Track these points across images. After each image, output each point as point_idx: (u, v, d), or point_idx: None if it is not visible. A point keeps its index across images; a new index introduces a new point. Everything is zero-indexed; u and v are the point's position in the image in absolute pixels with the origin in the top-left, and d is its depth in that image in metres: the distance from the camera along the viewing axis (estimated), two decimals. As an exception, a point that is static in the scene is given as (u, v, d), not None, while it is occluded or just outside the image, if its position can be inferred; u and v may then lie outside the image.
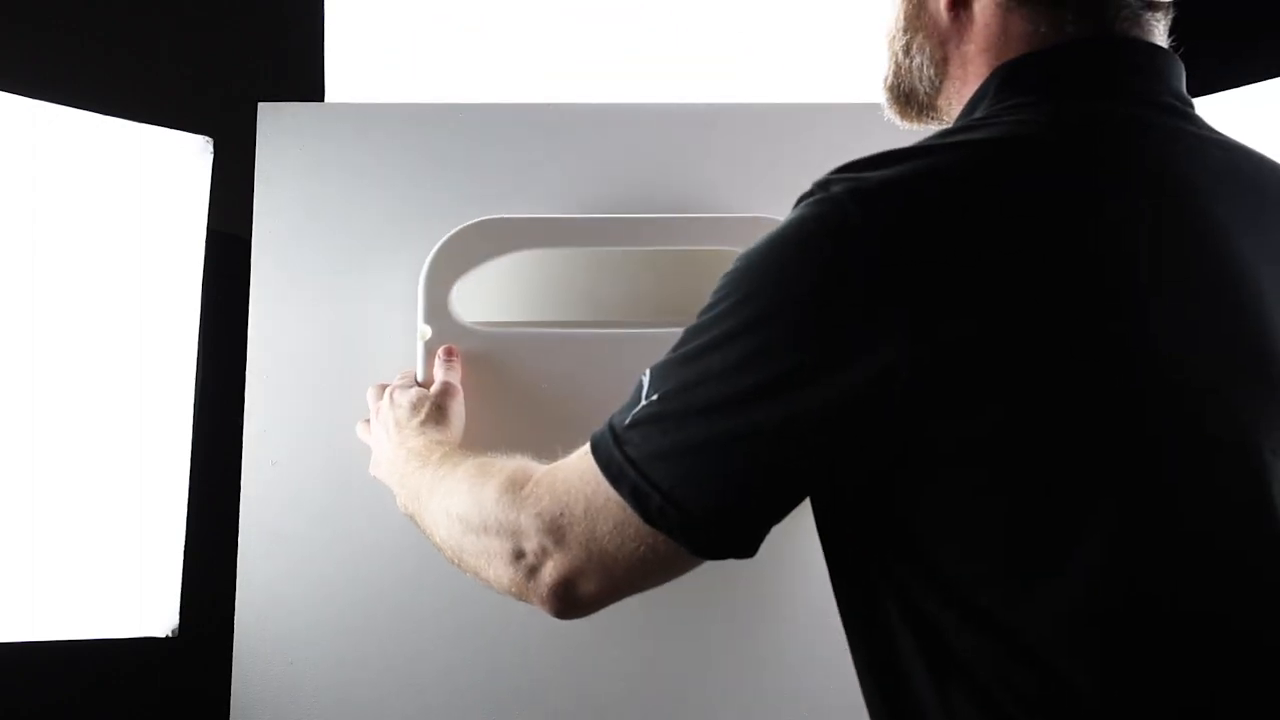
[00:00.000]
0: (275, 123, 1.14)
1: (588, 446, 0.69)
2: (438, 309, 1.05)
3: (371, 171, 1.14)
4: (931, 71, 0.76)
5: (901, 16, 0.77)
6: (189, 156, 1.17)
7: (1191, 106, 0.70)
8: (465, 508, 0.77)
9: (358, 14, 1.22)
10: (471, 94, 1.22)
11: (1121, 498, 0.59)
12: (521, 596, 0.73)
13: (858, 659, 0.69)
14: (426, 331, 1.04)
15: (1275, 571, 0.59)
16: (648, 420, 0.65)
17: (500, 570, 0.73)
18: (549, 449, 0.76)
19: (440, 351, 1.03)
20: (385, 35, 1.22)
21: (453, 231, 1.06)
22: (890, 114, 0.82)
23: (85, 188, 1.12)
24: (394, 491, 0.91)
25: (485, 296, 1.12)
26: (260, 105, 1.14)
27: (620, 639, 1.08)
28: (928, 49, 0.76)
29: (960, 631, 0.60)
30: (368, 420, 1.03)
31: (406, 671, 1.08)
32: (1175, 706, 0.58)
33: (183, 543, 1.14)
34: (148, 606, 1.12)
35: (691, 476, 0.63)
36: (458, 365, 1.03)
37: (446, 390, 1.00)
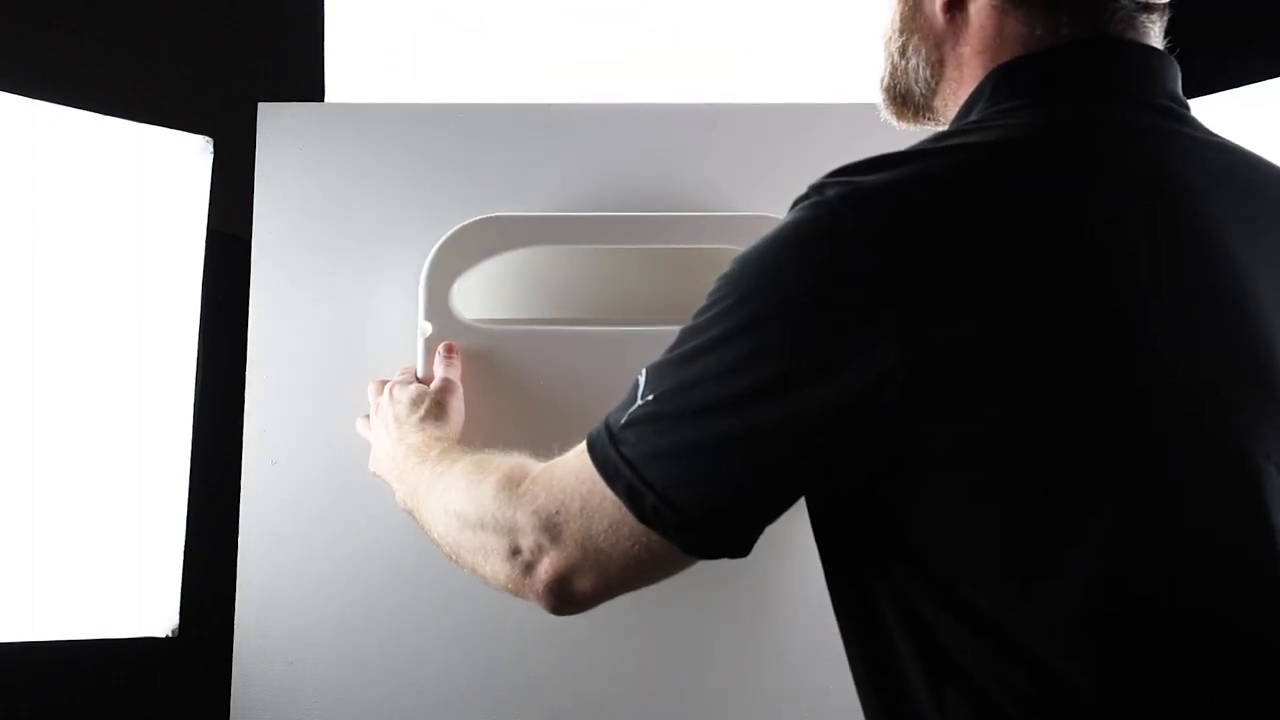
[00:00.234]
0: (275, 123, 1.14)
1: (584, 445, 0.69)
2: (438, 306, 1.05)
3: (371, 171, 1.14)
4: (927, 73, 0.76)
5: (897, 18, 0.77)
6: (189, 156, 1.17)
7: (1187, 108, 0.70)
8: (462, 504, 0.77)
9: (358, 14, 1.22)
10: (471, 94, 1.22)
11: (1121, 498, 0.59)
12: (517, 593, 0.73)
13: (854, 660, 0.69)
14: (427, 328, 1.05)
15: (1274, 572, 0.59)
16: (643, 420, 0.65)
17: (497, 566, 0.73)
18: (548, 446, 0.76)
19: (440, 348, 1.03)
20: (385, 35, 1.22)
21: (455, 228, 1.06)
22: (886, 115, 0.82)
23: (85, 188, 1.12)
24: (393, 487, 0.92)
25: (485, 294, 1.12)
26: (260, 105, 1.14)
27: (620, 639, 1.08)
28: (923, 50, 0.76)
29: (957, 633, 0.60)
30: (368, 416, 1.03)
31: (406, 671, 1.08)
32: (1175, 707, 0.58)
33: (183, 543, 1.14)
34: (148, 606, 1.12)
35: (686, 477, 0.63)
36: (458, 362, 1.03)
37: (446, 387, 1.00)
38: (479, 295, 1.11)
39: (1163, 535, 0.59)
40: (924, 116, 0.80)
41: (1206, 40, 0.98)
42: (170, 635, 1.13)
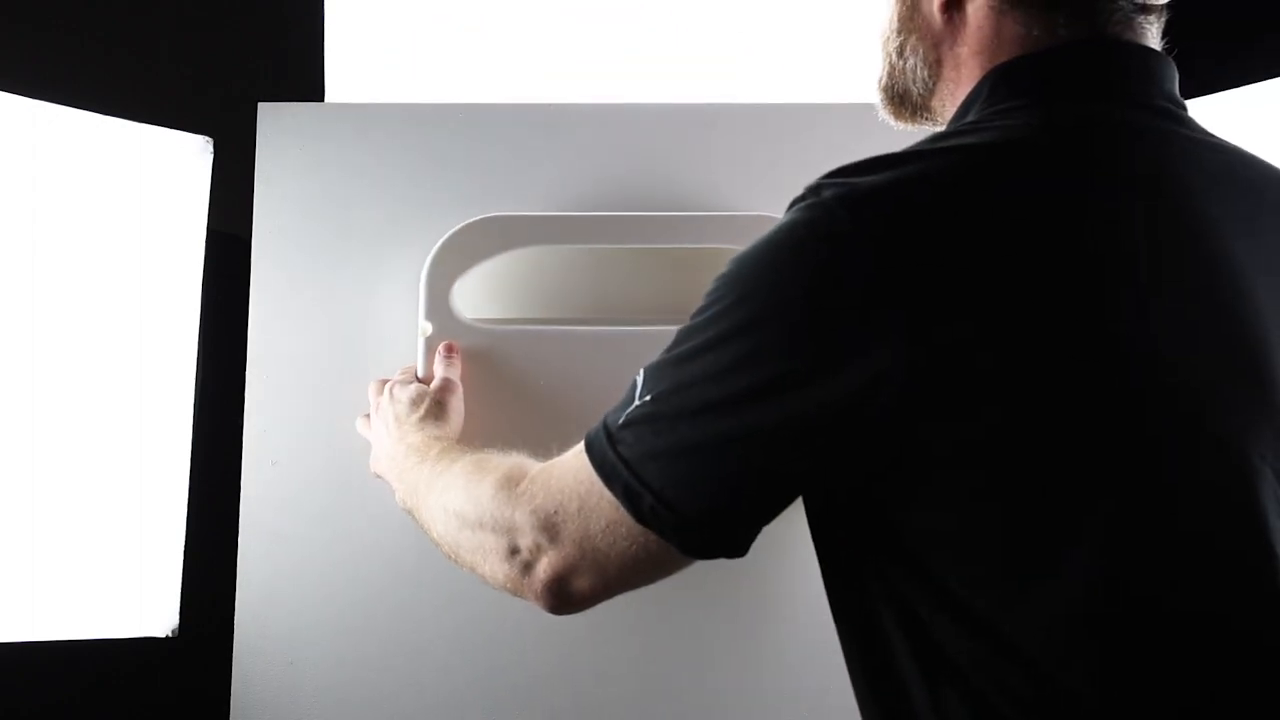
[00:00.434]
0: (275, 123, 1.14)
1: (582, 445, 0.69)
2: (439, 305, 1.05)
3: (371, 171, 1.14)
4: (925, 73, 0.76)
5: (895, 18, 0.77)
6: (189, 156, 1.17)
7: (1185, 109, 0.70)
8: (461, 504, 0.77)
9: (358, 14, 1.22)
10: (471, 94, 1.22)
11: (1121, 498, 0.59)
12: (516, 592, 0.73)
13: (851, 661, 0.69)
14: (427, 328, 1.05)
15: (1272, 572, 0.59)
16: (641, 420, 0.65)
17: (495, 566, 0.73)
18: (548, 445, 0.76)
19: (441, 348, 1.04)
20: (385, 35, 1.22)
21: (456, 228, 1.06)
22: (884, 114, 0.82)
23: (85, 188, 1.12)
24: (393, 487, 0.92)
25: (485, 293, 1.12)
26: (260, 105, 1.14)
27: (620, 639, 1.08)
28: (921, 51, 0.76)
29: (954, 634, 0.60)
30: (368, 415, 1.04)
31: (406, 671, 1.08)
32: (1174, 708, 0.58)
33: (183, 543, 1.14)
34: (148, 606, 1.12)
35: (684, 478, 0.63)
36: (458, 361, 1.03)
37: (446, 386, 1.00)
38: (479, 295, 1.11)
39: (1163, 535, 0.59)
40: (922, 116, 0.80)
41: (1206, 40, 0.98)
42: (170, 635, 1.13)
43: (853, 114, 1.04)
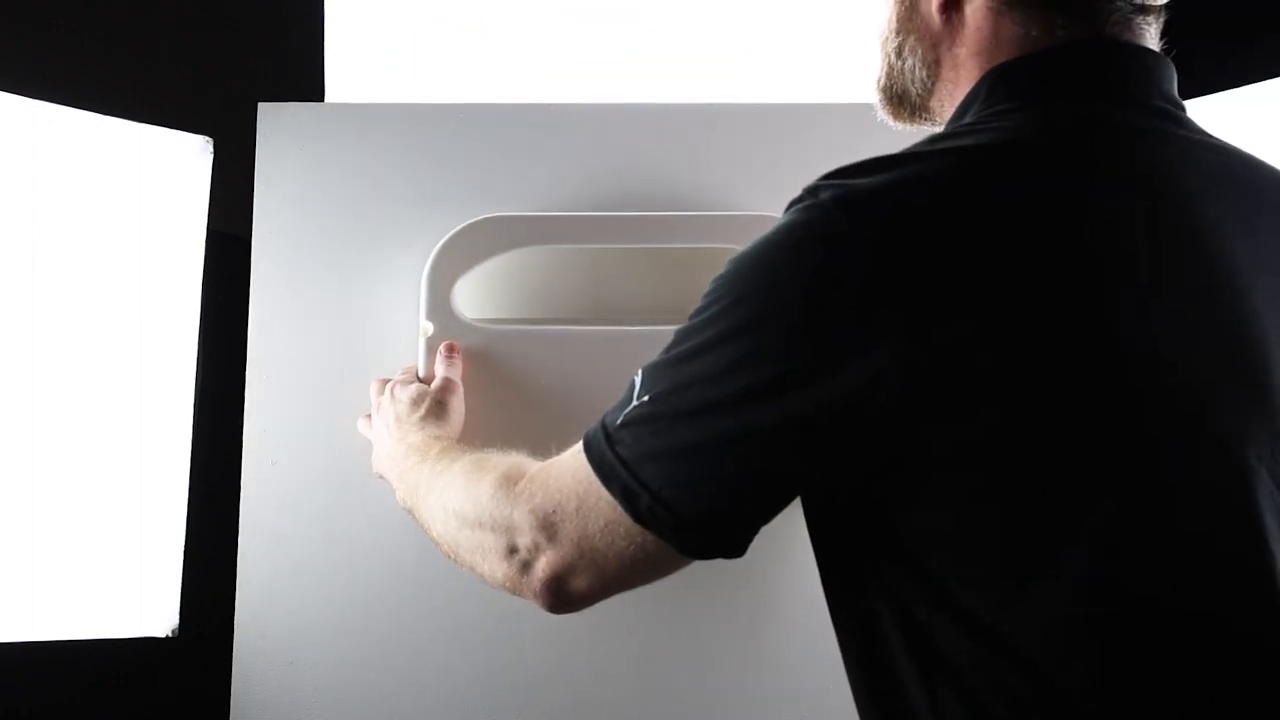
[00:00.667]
0: (275, 123, 1.14)
1: (581, 444, 0.69)
2: (440, 306, 1.05)
3: (371, 171, 1.14)
4: (923, 74, 0.76)
5: (894, 18, 0.77)
6: (189, 156, 1.17)
7: (1183, 110, 0.70)
8: (461, 503, 0.78)
9: (358, 14, 1.22)
10: (471, 94, 1.22)
11: (1121, 498, 0.59)
12: (515, 591, 0.73)
13: (849, 660, 0.69)
14: (429, 328, 1.05)
15: (1271, 573, 0.59)
16: (639, 421, 0.65)
17: (494, 565, 0.74)
18: (549, 445, 0.76)
19: (441, 348, 1.04)
20: (385, 35, 1.22)
21: (457, 228, 1.06)
22: (883, 115, 0.82)
23: (85, 188, 1.12)
24: (393, 486, 0.92)
25: (486, 294, 1.12)
26: (260, 105, 1.14)
27: (620, 639, 1.08)
28: (920, 51, 0.76)
29: (952, 633, 0.60)
30: (369, 415, 1.04)
31: (406, 671, 1.08)
32: (1174, 708, 0.58)
33: (183, 543, 1.14)
34: (148, 606, 1.12)
35: (682, 478, 0.63)
36: (459, 361, 1.03)
37: (447, 386, 1.00)
38: (480, 295, 1.11)
39: (1163, 535, 0.59)
40: (920, 117, 0.80)
41: (1206, 40, 0.98)
42: (170, 635, 1.13)
43: (853, 114, 1.04)
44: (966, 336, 0.59)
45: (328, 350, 1.11)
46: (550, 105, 1.16)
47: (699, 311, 0.65)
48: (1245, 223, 0.66)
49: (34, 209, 1.09)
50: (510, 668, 1.08)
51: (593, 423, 0.69)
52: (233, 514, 1.09)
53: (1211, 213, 0.65)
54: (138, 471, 1.12)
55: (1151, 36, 0.71)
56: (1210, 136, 0.70)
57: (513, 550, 0.72)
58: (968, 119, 0.71)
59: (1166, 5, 0.72)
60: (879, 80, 0.80)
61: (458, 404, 1.00)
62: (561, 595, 0.71)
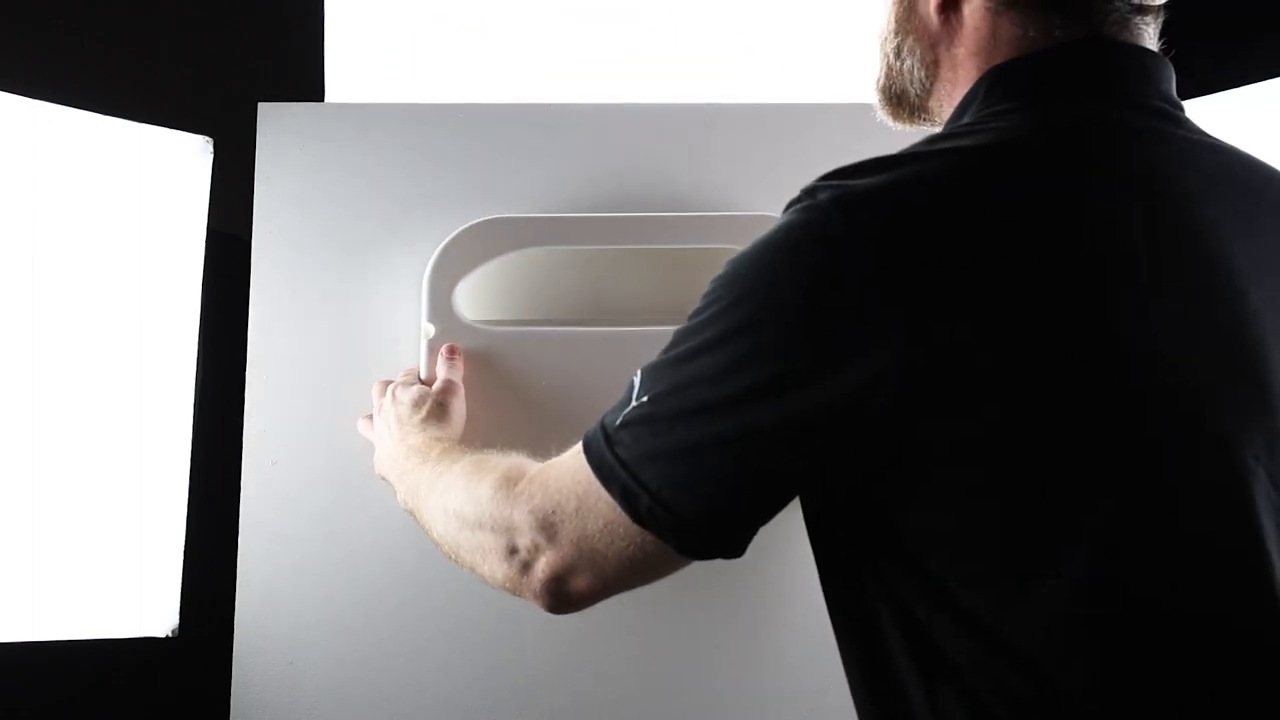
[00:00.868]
0: (275, 123, 1.14)
1: (580, 445, 0.69)
2: (441, 307, 1.05)
3: (371, 171, 1.14)
4: (922, 74, 0.76)
5: (893, 19, 0.77)
6: (189, 156, 1.17)
7: (1181, 110, 0.70)
8: (461, 504, 0.78)
9: (358, 14, 1.22)
10: (471, 94, 1.22)
11: (1121, 498, 0.59)
12: (515, 592, 0.74)
13: (848, 660, 0.69)
14: (430, 330, 1.05)
15: (1270, 573, 0.59)
16: (638, 421, 0.65)
17: (494, 565, 0.74)
18: (550, 446, 0.76)
19: (443, 349, 1.04)
20: (385, 35, 1.22)
21: (458, 230, 1.06)
22: (882, 115, 0.82)
23: (85, 188, 1.12)
24: (394, 488, 0.92)
25: (486, 295, 1.12)
26: (260, 105, 1.14)
27: (620, 639, 1.08)
28: (918, 52, 0.76)
29: (952, 634, 0.60)
30: (369, 416, 1.04)
31: (406, 671, 1.08)
32: (1174, 708, 0.58)
33: (183, 543, 1.14)
34: (148, 606, 1.12)
35: (681, 478, 0.63)
36: (460, 363, 1.03)
37: (448, 388, 1.00)
38: (480, 296, 1.11)
39: (1163, 535, 0.59)
40: (919, 117, 0.80)
41: (1206, 40, 0.98)
42: (170, 635, 1.13)
43: (853, 114, 1.04)
44: (966, 336, 0.59)
45: (328, 350, 1.11)
46: (550, 105, 1.16)
47: (698, 312, 0.65)
48: (1244, 223, 0.66)
49: (34, 209, 1.09)
50: (510, 668, 1.08)
51: (592, 423, 0.69)
52: (233, 514, 1.09)
53: (1210, 213, 0.65)
54: (138, 471, 1.12)
55: (1150, 37, 0.71)
56: (1208, 136, 0.70)
57: (513, 551, 0.72)
58: (966, 119, 0.71)
59: (1165, 5, 0.72)
60: (878, 81, 0.80)
61: (459, 405, 1.00)
62: (561, 596, 0.71)
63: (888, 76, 0.79)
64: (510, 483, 0.74)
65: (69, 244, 1.10)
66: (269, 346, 1.11)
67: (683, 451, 0.63)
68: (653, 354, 0.67)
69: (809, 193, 0.63)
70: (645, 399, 0.65)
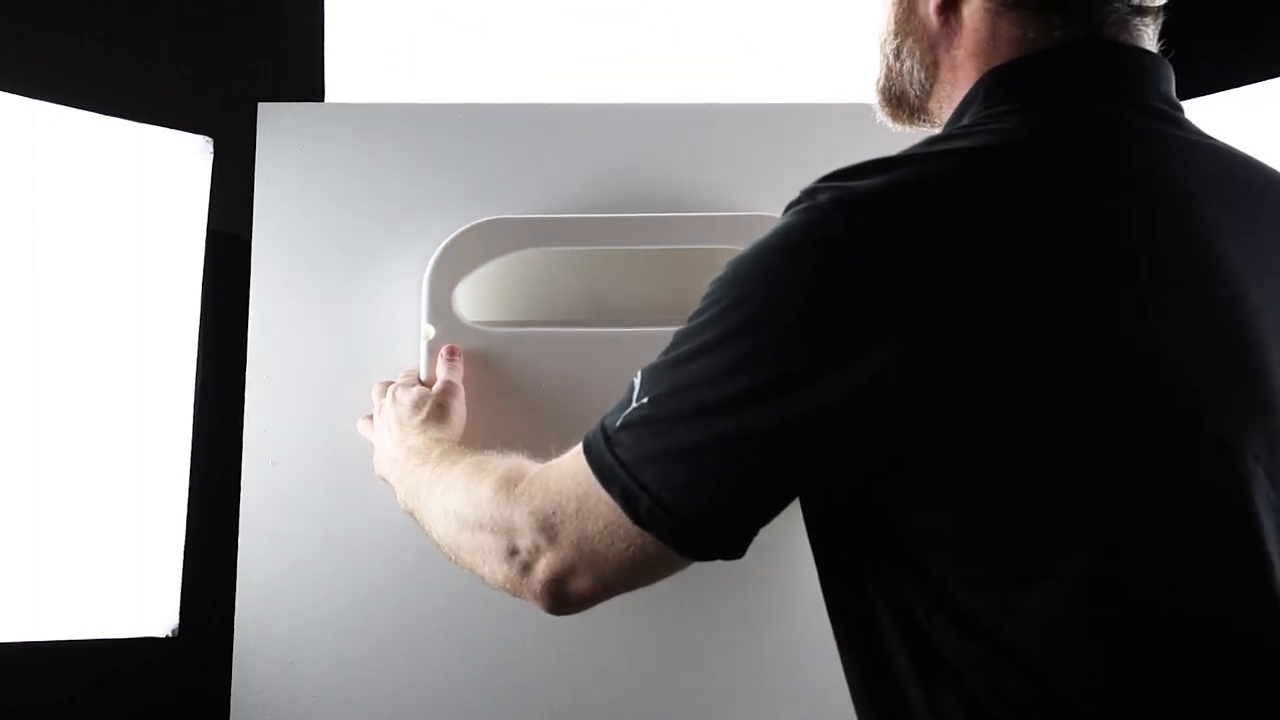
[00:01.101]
0: (275, 123, 1.14)
1: (580, 446, 0.69)
2: (441, 308, 1.05)
3: (371, 171, 1.14)
4: (921, 75, 0.76)
5: (892, 20, 0.77)
6: (189, 156, 1.17)
7: (1181, 111, 0.70)
8: (461, 505, 0.78)
9: (358, 14, 1.22)
10: (471, 94, 1.22)
11: (1121, 499, 0.59)
12: (515, 593, 0.74)
13: (847, 660, 0.69)
14: (430, 331, 1.05)
15: (1270, 573, 0.59)
16: (638, 422, 0.65)
17: (495, 567, 0.74)
18: (549, 447, 0.76)
19: (443, 350, 1.04)
20: (385, 35, 1.22)
21: (458, 231, 1.06)
22: (882, 116, 0.83)
23: (85, 188, 1.12)
24: (394, 489, 0.92)
25: (486, 296, 1.12)
26: (260, 105, 1.14)
27: (621, 639, 1.08)
28: (918, 53, 0.76)
29: (952, 635, 0.60)
30: (369, 417, 1.04)
31: (406, 671, 1.08)
32: (1174, 708, 0.58)
33: (183, 543, 1.14)
34: (148, 606, 1.12)
35: (681, 480, 0.63)
36: (460, 364, 1.03)
37: (448, 389, 1.00)
38: (480, 297, 1.11)
39: (1163, 535, 0.59)
40: (919, 119, 0.80)
41: (1206, 40, 0.98)
42: (170, 635, 1.13)
43: (853, 114, 1.04)
44: (966, 337, 0.59)
45: (328, 350, 1.11)
46: (550, 105, 1.16)
47: (698, 314, 0.65)
48: (1244, 223, 0.66)
49: (34, 209, 1.09)
50: (510, 668, 1.08)
51: (592, 425, 0.69)
52: (233, 514, 1.09)
53: (1210, 213, 0.65)
54: (138, 471, 1.12)
55: (1149, 37, 0.72)
56: (1208, 137, 0.70)
57: (513, 552, 0.72)
58: (966, 120, 0.71)
59: (1165, 6, 0.72)
60: (878, 82, 0.80)
61: (459, 407, 1.00)
62: (561, 597, 0.71)
63: (887, 78, 0.79)
64: (510, 484, 0.74)
65: (69, 244, 1.10)
66: (269, 346, 1.11)
67: (683, 453, 0.63)
68: (653, 355, 0.67)
69: (809, 194, 0.63)
70: (645, 400, 0.65)
